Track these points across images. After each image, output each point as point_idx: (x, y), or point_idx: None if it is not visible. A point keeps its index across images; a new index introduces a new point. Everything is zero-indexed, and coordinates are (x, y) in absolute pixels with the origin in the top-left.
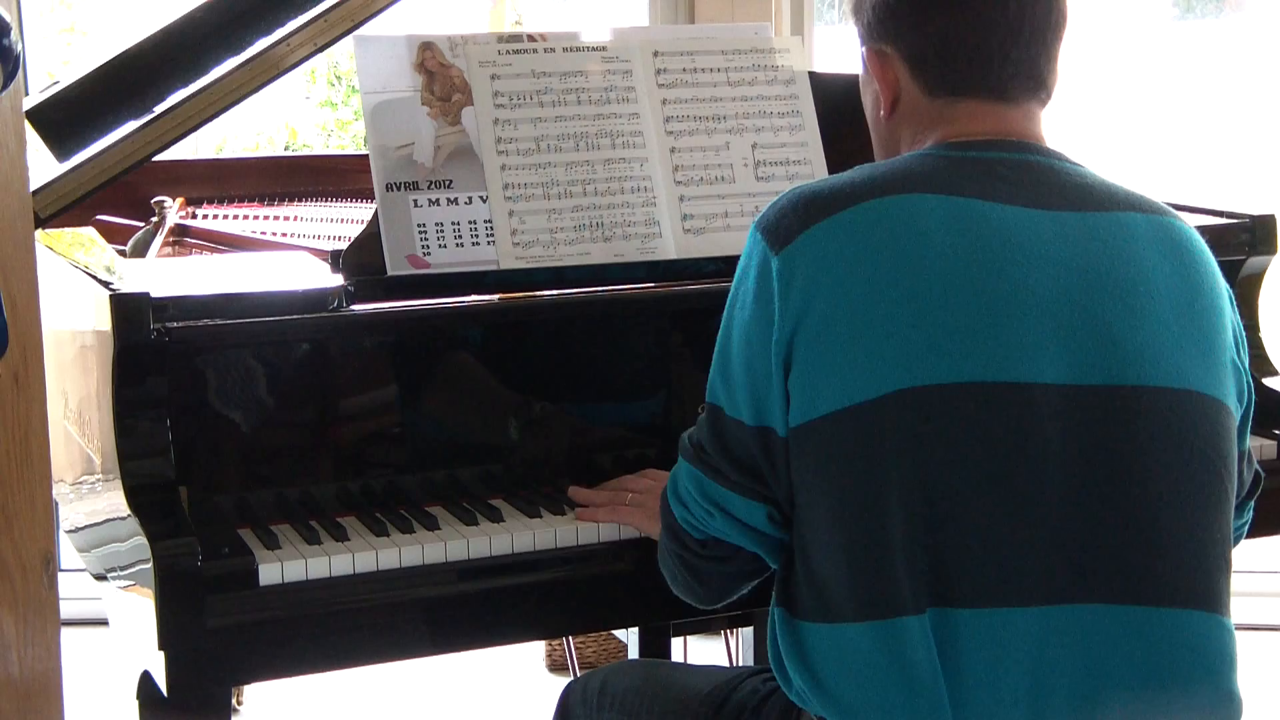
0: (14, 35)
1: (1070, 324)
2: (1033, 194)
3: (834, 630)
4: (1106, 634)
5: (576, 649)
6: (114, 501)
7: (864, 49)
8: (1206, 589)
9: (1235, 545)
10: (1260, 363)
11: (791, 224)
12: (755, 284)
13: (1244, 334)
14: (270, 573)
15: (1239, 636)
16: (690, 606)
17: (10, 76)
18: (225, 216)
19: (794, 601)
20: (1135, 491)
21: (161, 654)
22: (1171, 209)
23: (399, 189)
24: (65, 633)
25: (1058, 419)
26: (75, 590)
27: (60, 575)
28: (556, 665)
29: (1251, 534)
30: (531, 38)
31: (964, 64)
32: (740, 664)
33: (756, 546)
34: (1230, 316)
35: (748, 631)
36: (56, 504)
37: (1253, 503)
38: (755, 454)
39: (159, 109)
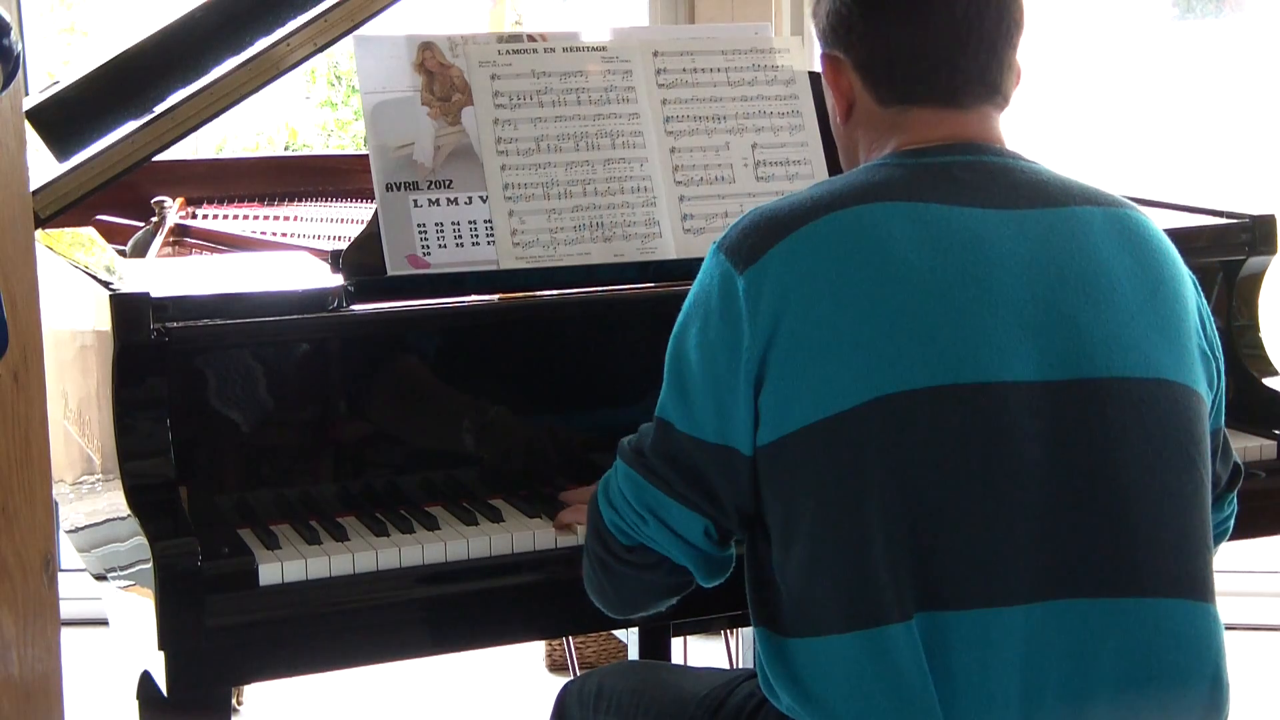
0: (14, 35)
1: (1037, 321)
2: (991, 195)
3: (821, 643)
4: (1093, 628)
5: (576, 649)
6: (114, 501)
7: (821, 55)
8: (1189, 577)
9: (1220, 541)
10: (1260, 363)
11: (755, 243)
12: (720, 304)
13: (1211, 319)
14: (270, 573)
15: (1238, 636)
16: (690, 607)
17: (10, 76)
18: (225, 216)
19: (776, 619)
20: (1111, 483)
21: (161, 654)
22: (1128, 200)
23: (399, 189)
24: (65, 633)
25: (1032, 416)
26: (75, 590)
27: (60, 575)
28: (556, 665)
29: (1251, 534)
30: (531, 38)
31: (912, 73)
32: (740, 664)
33: (685, 558)
34: (1194, 302)
35: (748, 631)
36: (56, 504)
37: (1234, 495)
38: (710, 471)
39: (159, 109)
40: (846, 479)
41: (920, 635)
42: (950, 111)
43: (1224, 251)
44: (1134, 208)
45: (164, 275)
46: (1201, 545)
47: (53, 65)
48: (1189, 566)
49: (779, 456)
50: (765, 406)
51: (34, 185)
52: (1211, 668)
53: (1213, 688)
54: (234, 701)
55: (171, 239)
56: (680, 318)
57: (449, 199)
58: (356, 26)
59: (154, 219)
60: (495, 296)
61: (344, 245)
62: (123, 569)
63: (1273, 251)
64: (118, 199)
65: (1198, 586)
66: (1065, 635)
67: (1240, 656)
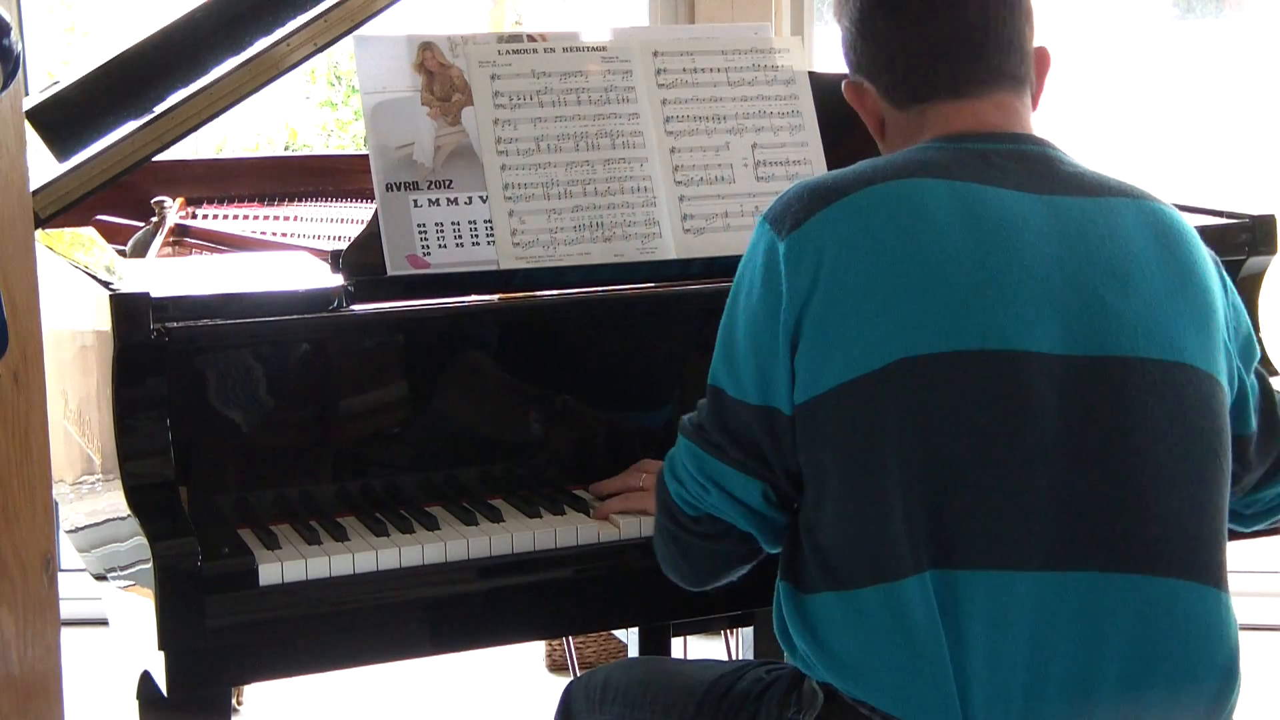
0: (14, 35)
1: (1065, 297)
2: (1027, 180)
3: (840, 597)
4: (1103, 601)
5: (576, 649)
6: (114, 501)
7: (844, 85)
8: (1202, 561)
9: (1259, 521)
10: (1260, 363)
11: (798, 211)
12: (763, 269)
13: (1240, 319)
14: (270, 573)
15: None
16: (690, 606)
17: (10, 76)
18: (225, 216)
19: (800, 577)
20: (1128, 460)
21: (161, 654)
22: (1158, 196)
23: (399, 189)
24: (65, 633)
25: (1054, 387)
26: (75, 590)
27: (60, 575)
28: (556, 665)
29: (1253, 533)
30: (531, 38)
31: (917, 71)
32: None
33: (749, 525)
34: (1222, 302)
35: (748, 631)
36: (56, 504)
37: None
38: (757, 433)
39: (159, 109)
40: (869, 438)
41: (933, 591)
42: (966, 101)
43: (1224, 251)
44: (1166, 203)
45: (164, 275)
46: (1216, 532)
47: (53, 65)
48: (1202, 551)
49: (812, 416)
50: (800, 366)
51: (34, 185)
52: (1223, 655)
53: (1223, 676)
54: (234, 701)
55: (171, 239)
56: (731, 290)
57: (449, 199)
58: (356, 26)
59: (154, 219)
60: (495, 296)
61: (344, 245)
62: (123, 569)
63: (1273, 251)
64: (118, 199)
65: (1210, 572)
66: (1075, 606)
67: (1243, 656)
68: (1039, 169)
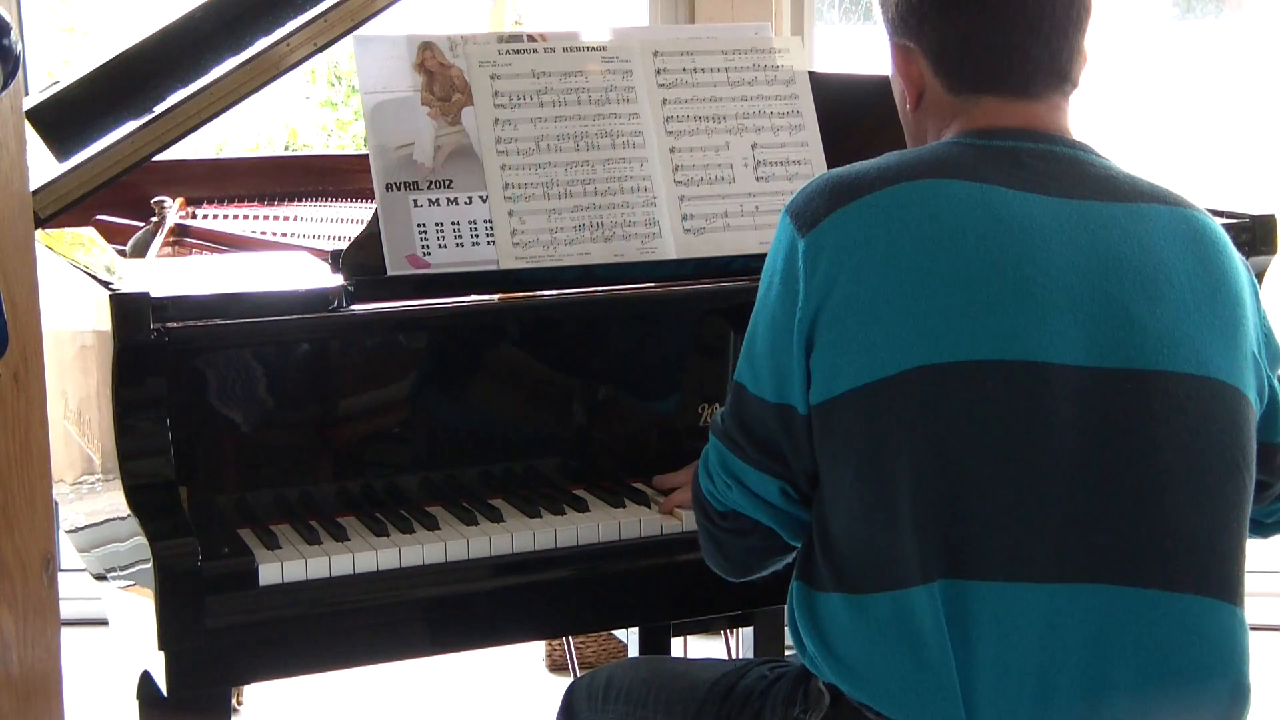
0: (14, 35)
1: (1089, 307)
2: (1056, 183)
3: (849, 601)
4: (1115, 615)
5: (576, 649)
6: (114, 501)
7: (890, 44)
8: (1218, 577)
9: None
10: None
11: (818, 207)
12: (783, 265)
13: (1269, 332)
14: (270, 573)
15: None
16: (690, 606)
17: (10, 76)
18: (225, 216)
19: (813, 575)
20: (1148, 474)
21: (161, 654)
22: (1193, 202)
23: (399, 189)
24: (65, 633)
25: (1074, 399)
26: (75, 590)
27: (60, 575)
28: (556, 665)
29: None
30: (531, 38)
31: (984, 62)
32: None
33: (771, 521)
34: (1252, 310)
35: (748, 631)
36: (56, 504)
37: None
38: (774, 430)
39: (159, 109)
40: (882, 445)
41: (943, 601)
42: (1020, 101)
43: None
44: (1202, 211)
45: (164, 275)
46: (1235, 548)
47: (53, 65)
48: (1219, 567)
49: (827, 418)
50: (816, 367)
51: (34, 185)
52: (1234, 671)
53: (1234, 692)
54: (234, 701)
55: (171, 239)
56: (761, 283)
57: (449, 199)
58: (356, 26)
59: (154, 219)
60: (495, 296)
61: (344, 245)
62: (123, 569)
63: (1273, 251)
64: (118, 199)
65: (1227, 588)
66: (1086, 620)
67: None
68: (1068, 171)
